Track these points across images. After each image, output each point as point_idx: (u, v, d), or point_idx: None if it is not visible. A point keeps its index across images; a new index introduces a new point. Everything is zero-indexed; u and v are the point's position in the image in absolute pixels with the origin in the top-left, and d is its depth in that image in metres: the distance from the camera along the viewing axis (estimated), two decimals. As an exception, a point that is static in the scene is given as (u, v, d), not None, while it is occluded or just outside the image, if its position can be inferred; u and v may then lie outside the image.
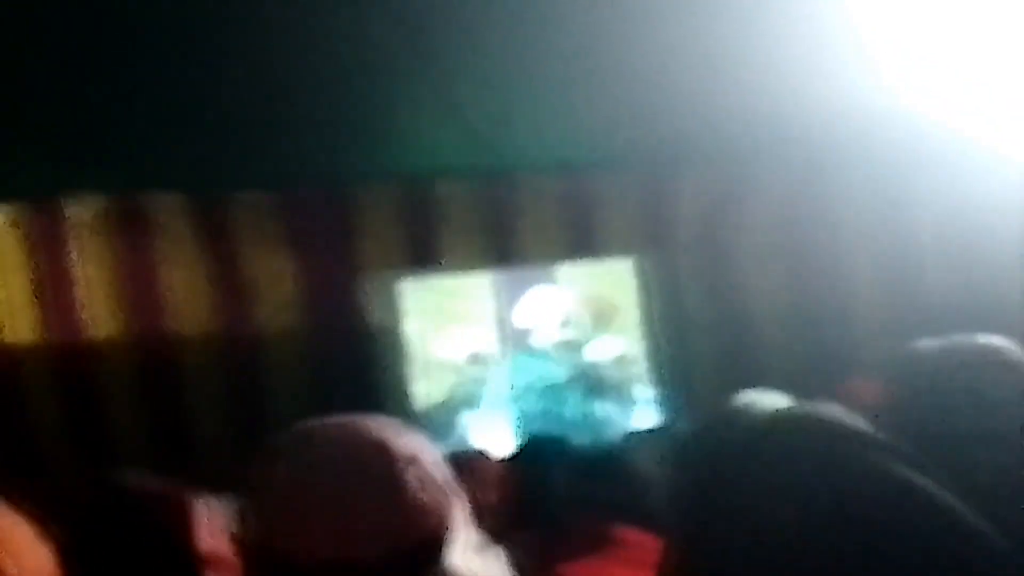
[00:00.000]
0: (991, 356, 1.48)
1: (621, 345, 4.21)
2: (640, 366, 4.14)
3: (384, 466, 1.03)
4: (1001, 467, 1.35)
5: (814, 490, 0.80)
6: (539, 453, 2.27)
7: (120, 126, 3.33)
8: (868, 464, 0.83)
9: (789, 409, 0.95)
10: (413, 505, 1.03)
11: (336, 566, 0.92)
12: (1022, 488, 1.27)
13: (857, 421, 0.89)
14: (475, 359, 4.13)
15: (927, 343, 1.56)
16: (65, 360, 3.71)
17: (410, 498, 1.02)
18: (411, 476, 1.04)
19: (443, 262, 3.87)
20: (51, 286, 3.74)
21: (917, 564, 0.76)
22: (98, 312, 3.78)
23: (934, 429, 1.37)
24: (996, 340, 1.51)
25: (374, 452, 1.05)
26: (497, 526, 1.71)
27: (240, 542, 1.26)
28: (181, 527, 1.51)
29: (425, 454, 1.09)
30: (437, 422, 3.97)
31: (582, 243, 4.06)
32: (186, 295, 3.84)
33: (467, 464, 2.33)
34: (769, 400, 1.18)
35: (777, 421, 0.92)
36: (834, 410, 0.91)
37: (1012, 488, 1.25)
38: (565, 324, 4.11)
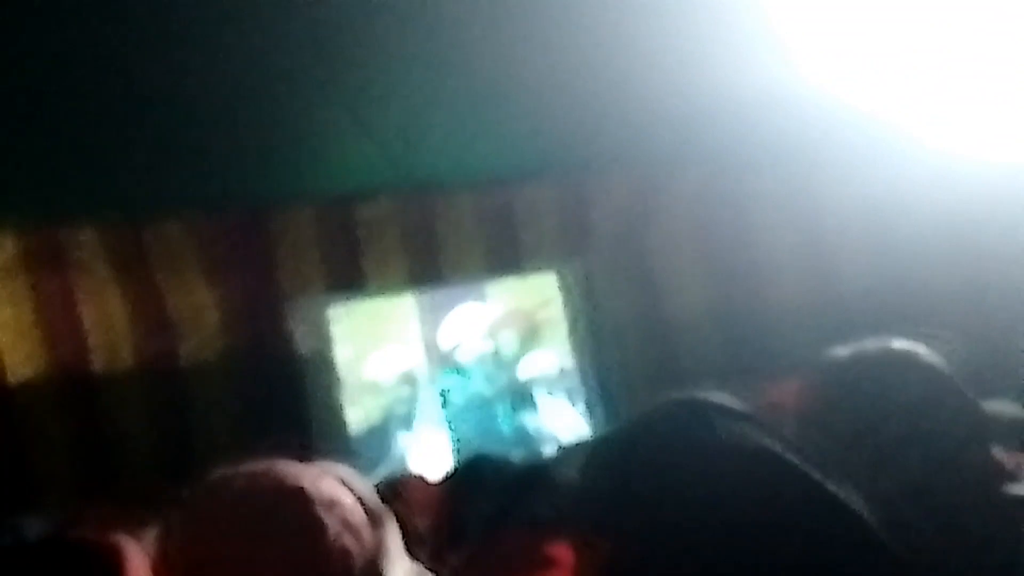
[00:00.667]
0: (901, 360, 1.53)
1: (550, 358, 4.34)
2: (569, 377, 4.29)
3: (302, 513, 1.06)
4: (913, 469, 1.42)
5: (701, 473, 0.85)
6: (472, 472, 2.31)
7: (31, 157, 3.38)
8: (742, 439, 0.88)
9: (671, 399, 0.99)
10: (334, 549, 1.05)
11: None
12: (934, 489, 1.36)
13: (738, 405, 0.94)
14: (405, 379, 4.16)
15: (840, 350, 1.60)
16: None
17: (330, 543, 1.05)
18: (331, 520, 1.06)
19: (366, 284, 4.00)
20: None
21: (785, 530, 0.81)
22: (18, 349, 3.82)
23: (848, 434, 1.42)
24: (906, 344, 1.57)
25: (291, 499, 1.07)
26: (434, 549, 1.77)
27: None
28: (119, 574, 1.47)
29: (345, 496, 1.11)
30: (371, 444, 4.02)
31: (505, 258, 4.20)
32: (108, 327, 3.89)
33: (401, 488, 2.45)
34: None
35: (659, 411, 0.96)
36: (717, 396, 0.95)
37: (924, 490, 1.35)
38: (492, 340, 4.23)
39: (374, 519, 1.11)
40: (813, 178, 4.38)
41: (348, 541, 1.05)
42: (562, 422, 4.29)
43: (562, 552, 1.85)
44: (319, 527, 1.05)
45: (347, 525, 1.06)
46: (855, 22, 3.18)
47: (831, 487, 0.87)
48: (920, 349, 1.55)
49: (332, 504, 1.06)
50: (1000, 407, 2.58)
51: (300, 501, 1.04)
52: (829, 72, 3.43)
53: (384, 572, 1.09)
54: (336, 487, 1.10)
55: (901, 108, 3.73)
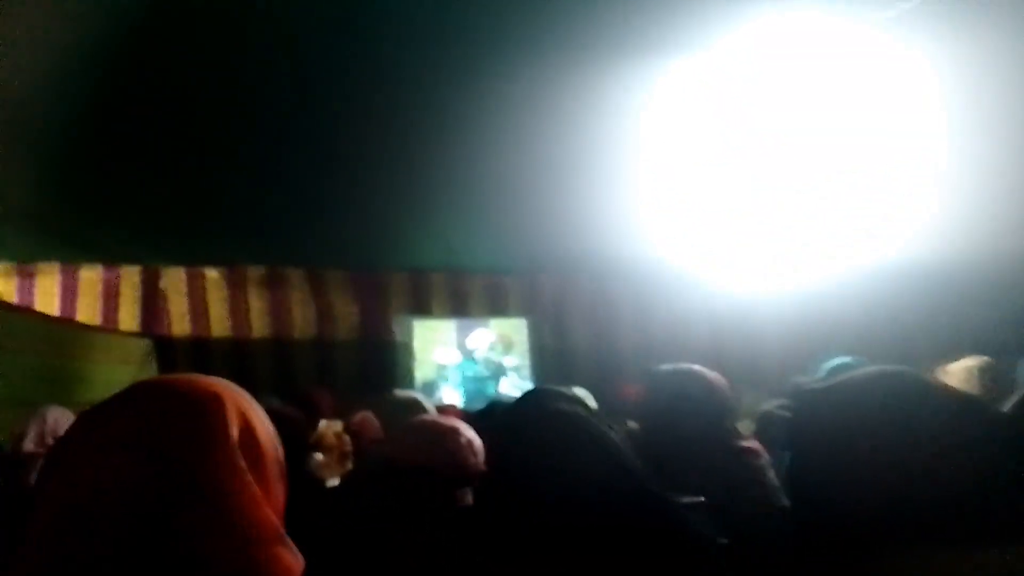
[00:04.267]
0: (695, 376, 2.06)
1: (516, 359, 7.21)
2: (524, 369, 7.21)
3: (458, 436, 1.69)
4: (682, 441, 1.87)
5: (533, 423, 1.26)
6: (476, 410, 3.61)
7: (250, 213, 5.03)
8: (563, 408, 1.27)
9: (541, 388, 1.46)
10: (473, 456, 1.61)
11: None
12: (695, 452, 1.82)
13: (574, 393, 1.37)
14: (448, 362, 7.08)
15: (663, 367, 2.15)
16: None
17: (471, 454, 1.63)
18: (468, 442, 1.62)
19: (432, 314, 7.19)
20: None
21: (574, 460, 1.17)
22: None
23: (664, 428, 1.88)
24: (696, 367, 2.13)
25: (451, 430, 1.64)
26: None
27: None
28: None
29: (469, 431, 1.70)
30: (428, 392, 6.59)
31: (499, 310, 7.23)
32: (303, 325, 6.94)
33: (444, 410, 3.48)
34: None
35: (531, 392, 1.43)
36: (568, 390, 1.39)
37: (686, 454, 1.79)
38: (491, 348, 7.12)
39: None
40: (646, 294, 7.09)
41: (473, 456, 1.65)
42: (516, 389, 6.98)
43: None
44: (468, 442, 1.67)
45: (471, 446, 1.68)
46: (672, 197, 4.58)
47: (612, 438, 1.23)
48: (703, 369, 2.11)
49: (469, 437, 1.69)
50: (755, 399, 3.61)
51: (456, 431, 1.68)
52: (655, 227, 5.16)
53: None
54: (465, 426, 1.72)
55: (688, 254, 5.80)
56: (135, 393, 0.88)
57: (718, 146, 3.89)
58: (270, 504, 0.87)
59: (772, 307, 6.72)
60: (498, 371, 7.20)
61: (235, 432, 0.86)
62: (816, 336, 5.80)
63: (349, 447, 2.86)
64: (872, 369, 1.04)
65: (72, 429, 0.85)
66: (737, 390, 3.89)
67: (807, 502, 0.99)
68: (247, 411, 0.90)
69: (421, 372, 7.09)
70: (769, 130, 3.66)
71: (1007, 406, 2.41)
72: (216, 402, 0.86)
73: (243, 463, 0.85)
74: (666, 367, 2.19)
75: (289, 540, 0.88)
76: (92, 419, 0.85)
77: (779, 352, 6.50)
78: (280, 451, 0.93)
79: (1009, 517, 0.87)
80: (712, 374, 2.16)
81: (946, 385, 1.03)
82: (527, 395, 1.47)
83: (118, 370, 5.75)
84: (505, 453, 1.30)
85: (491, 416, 3.01)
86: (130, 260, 6.53)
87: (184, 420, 0.83)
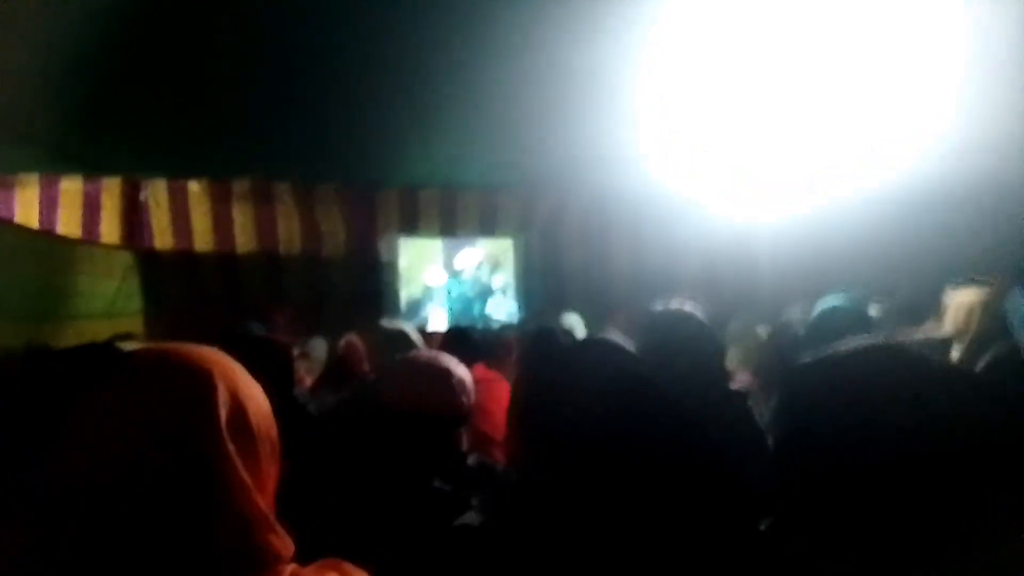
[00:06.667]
0: (688, 317, 2.13)
1: (503, 278, 7.20)
2: (510, 288, 7.21)
3: (449, 375, 1.71)
4: (697, 410, 1.59)
5: (591, 387, 1.24)
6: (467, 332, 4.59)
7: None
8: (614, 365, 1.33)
9: (590, 336, 2.16)
10: (465, 395, 1.70)
11: None
12: (696, 386, 1.82)
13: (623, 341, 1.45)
14: (435, 283, 7.07)
15: (656, 307, 2.21)
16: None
17: (463, 392, 1.70)
18: (461, 381, 1.70)
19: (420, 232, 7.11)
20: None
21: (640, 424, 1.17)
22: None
23: (656, 369, 1.68)
24: (688, 308, 2.17)
25: (446, 372, 1.70)
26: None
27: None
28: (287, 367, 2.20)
29: (460, 368, 1.72)
30: (413, 312, 6.90)
31: (490, 229, 7.15)
32: (290, 240, 6.83)
33: (430, 338, 4.53)
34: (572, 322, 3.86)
35: (583, 344, 1.70)
36: (612, 335, 1.47)
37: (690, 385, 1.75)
38: (478, 267, 7.11)
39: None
40: (634, 220, 7.07)
41: (466, 396, 1.74)
42: (502, 310, 7.18)
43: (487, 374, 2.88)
44: (460, 383, 1.74)
45: (463, 385, 1.75)
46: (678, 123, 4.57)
47: (632, 365, 1.35)
48: (694, 309, 2.15)
49: (461, 376, 1.76)
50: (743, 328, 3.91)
51: (448, 372, 1.74)
52: (647, 157, 5.31)
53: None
54: (455, 364, 1.77)
55: (685, 182, 5.95)
56: (129, 373, 0.86)
57: (717, 71, 3.82)
58: (260, 486, 0.86)
59: (768, 236, 6.74)
60: (485, 291, 7.20)
61: (225, 416, 0.85)
62: (812, 265, 5.79)
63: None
64: (862, 343, 1.03)
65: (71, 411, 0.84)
66: (728, 316, 4.04)
67: (796, 478, 0.99)
68: (238, 391, 0.88)
69: (408, 291, 7.09)
70: (767, 53, 3.59)
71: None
72: (209, 386, 0.85)
73: (232, 449, 0.84)
74: (659, 307, 2.22)
75: (278, 525, 0.87)
76: (88, 402, 0.84)
77: (774, 281, 6.51)
78: (273, 428, 0.92)
79: (1005, 494, 0.88)
80: (702, 314, 2.17)
81: (938, 360, 1.02)
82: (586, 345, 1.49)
83: (102, 283, 5.71)
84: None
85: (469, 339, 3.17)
86: (111, 171, 6.40)
87: (177, 406, 0.83)
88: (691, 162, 5.57)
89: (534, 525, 1.23)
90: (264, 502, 0.86)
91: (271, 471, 0.90)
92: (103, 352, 0.89)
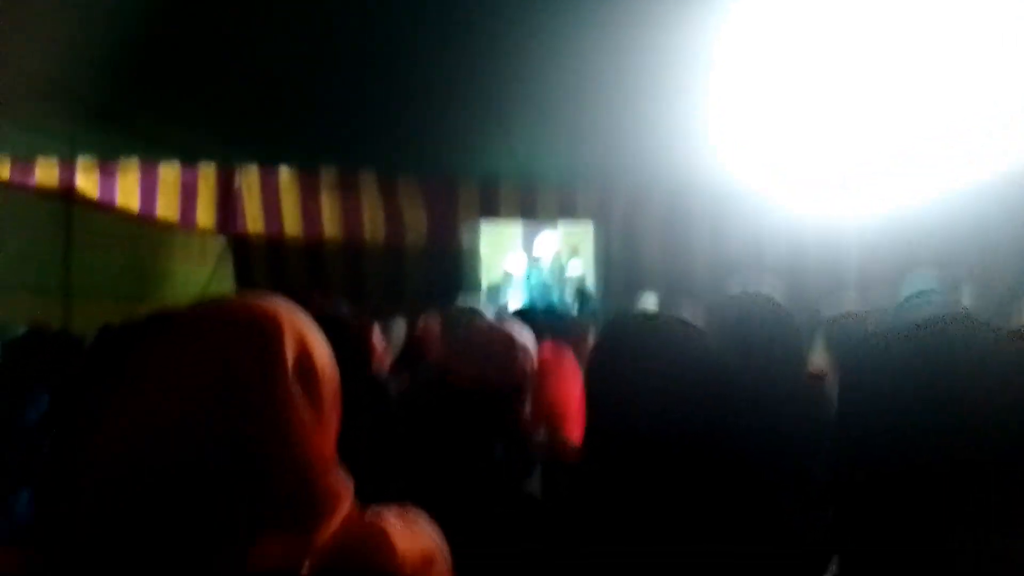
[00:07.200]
0: (769, 302, 2.06)
1: (580, 264, 7.29)
2: (589, 277, 7.27)
3: (512, 343, 1.73)
4: (775, 398, 1.81)
5: (664, 367, 1.23)
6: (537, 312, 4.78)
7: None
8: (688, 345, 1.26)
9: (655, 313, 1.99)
10: (527, 363, 1.73)
11: None
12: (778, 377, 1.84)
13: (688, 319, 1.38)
14: (514, 269, 7.21)
15: (736, 292, 2.21)
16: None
17: (524, 360, 1.73)
18: (524, 348, 1.74)
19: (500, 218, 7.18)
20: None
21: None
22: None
23: (736, 354, 1.87)
24: (769, 293, 2.14)
25: (507, 337, 1.74)
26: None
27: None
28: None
29: (524, 337, 1.75)
30: (494, 297, 6.98)
31: (567, 214, 7.15)
32: (375, 229, 7.02)
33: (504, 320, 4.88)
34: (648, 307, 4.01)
35: (650, 319, 1.48)
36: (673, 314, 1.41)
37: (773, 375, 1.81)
38: (556, 254, 7.23)
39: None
40: (715, 211, 7.00)
41: (528, 364, 1.76)
42: (581, 296, 7.03)
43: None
44: (523, 352, 1.74)
45: (526, 353, 1.76)
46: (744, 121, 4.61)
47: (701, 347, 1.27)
48: (775, 295, 2.12)
49: (523, 343, 1.77)
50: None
51: (511, 339, 1.76)
52: (728, 149, 5.30)
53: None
54: (519, 332, 1.79)
55: (768, 174, 5.91)
56: (197, 319, 0.88)
57: (802, 62, 3.74)
58: (322, 430, 0.87)
59: (852, 230, 6.56)
60: (564, 278, 7.24)
61: (291, 359, 0.86)
62: (895, 258, 5.57)
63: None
64: (925, 317, 0.99)
65: (137, 354, 0.86)
66: (813, 310, 3.99)
67: (855, 458, 0.96)
68: (305, 336, 0.89)
69: (488, 277, 7.19)
70: (855, 46, 3.50)
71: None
72: (276, 330, 0.86)
73: (298, 392, 0.85)
74: (739, 292, 2.16)
75: (339, 468, 0.89)
76: (156, 347, 0.86)
77: (857, 276, 6.35)
78: (336, 375, 0.93)
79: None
80: (781, 299, 2.12)
81: (1005, 332, 0.97)
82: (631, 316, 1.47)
83: (196, 268, 5.96)
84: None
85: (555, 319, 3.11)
86: (207, 158, 6.63)
87: (243, 349, 0.83)
88: (774, 156, 5.49)
89: (598, 499, 1.23)
90: (326, 446, 0.88)
91: (333, 416, 0.91)
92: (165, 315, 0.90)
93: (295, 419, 0.84)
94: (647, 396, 1.21)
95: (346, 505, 0.88)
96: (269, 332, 0.85)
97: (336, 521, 0.85)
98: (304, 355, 0.88)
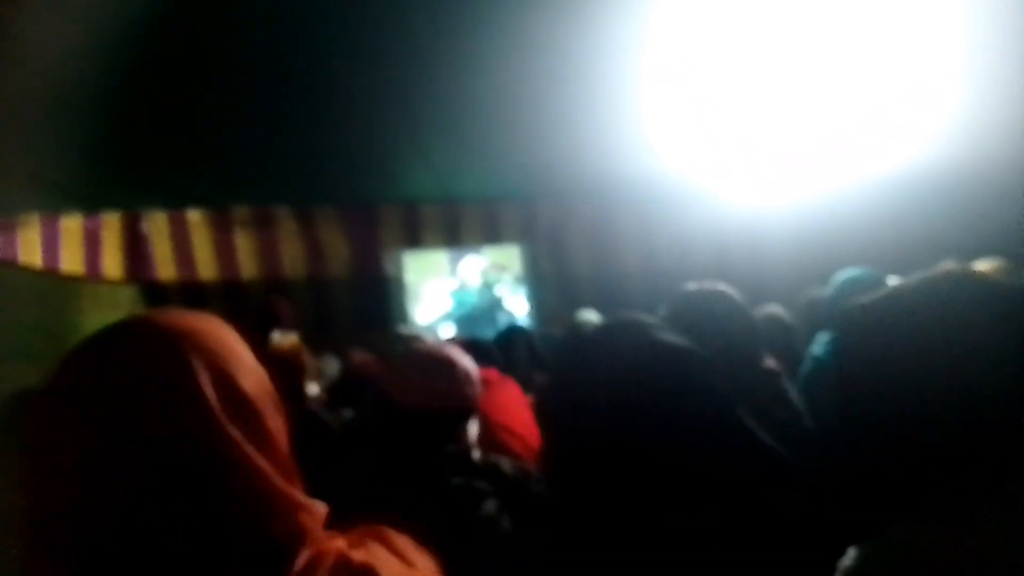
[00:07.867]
0: (722, 295, 2.10)
1: (508, 286, 7.19)
2: (518, 296, 7.17)
3: (454, 366, 1.68)
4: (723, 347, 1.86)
5: (624, 370, 1.18)
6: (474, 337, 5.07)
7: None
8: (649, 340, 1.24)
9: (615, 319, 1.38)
10: (472, 386, 1.71)
11: None
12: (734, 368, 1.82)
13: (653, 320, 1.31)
14: (442, 294, 7.02)
15: (688, 287, 2.16)
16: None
17: (469, 384, 1.70)
18: (465, 373, 1.68)
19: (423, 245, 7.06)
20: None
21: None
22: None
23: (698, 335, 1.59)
24: (721, 287, 2.13)
25: (449, 361, 1.69)
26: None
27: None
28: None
29: (466, 360, 1.73)
30: (428, 323, 6.87)
31: (493, 237, 7.10)
32: (294, 260, 6.83)
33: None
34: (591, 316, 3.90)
35: (609, 325, 1.40)
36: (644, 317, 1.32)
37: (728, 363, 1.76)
38: (483, 275, 7.08)
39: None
40: (649, 213, 6.90)
41: (471, 387, 1.72)
42: (510, 319, 6.94)
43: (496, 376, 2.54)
44: (465, 374, 1.73)
45: (468, 377, 1.73)
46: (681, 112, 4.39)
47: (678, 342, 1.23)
48: (727, 288, 2.10)
49: (466, 367, 1.75)
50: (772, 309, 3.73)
51: (452, 363, 1.72)
52: (666, 147, 5.03)
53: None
54: (459, 355, 1.78)
55: (691, 170, 5.65)
56: (87, 359, 0.77)
57: (720, 56, 3.74)
58: (273, 457, 0.77)
59: (778, 222, 6.65)
60: (493, 299, 7.14)
61: (211, 394, 0.75)
62: (823, 251, 5.69)
63: (306, 362, 2.71)
64: (919, 276, 0.97)
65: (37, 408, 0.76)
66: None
67: (858, 420, 0.95)
68: (223, 360, 0.78)
69: (415, 305, 7.06)
70: (771, 38, 3.53)
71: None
72: (184, 366, 0.75)
73: (232, 430, 0.74)
74: (691, 286, 2.15)
75: (302, 496, 0.80)
76: (50, 401, 0.75)
77: (786, 268, 6.41)
78: (269, 385, 0.83)
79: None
80: (735, 293, 2.12)
81: (1001, 281, 0.97)
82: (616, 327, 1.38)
83: (109, 318, 5.60)
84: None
85: (510, 342, 3.14)
86: (109, 206, 6.37)
87: (154, 402, 0.73)
88: (696, 150, 5.41)
89: (567, 512, 1.19)
90: (280, 476, 0.78)
91: (280, 438, 0.80)
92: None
93: (236, 459, 0.74)
94: (616, 399, 1.16)
95: (316, 537, 0.78)
96: (177, 369, 0.75)
97: (307, 555, 0.76)
98: (226, 381, 0.77)
